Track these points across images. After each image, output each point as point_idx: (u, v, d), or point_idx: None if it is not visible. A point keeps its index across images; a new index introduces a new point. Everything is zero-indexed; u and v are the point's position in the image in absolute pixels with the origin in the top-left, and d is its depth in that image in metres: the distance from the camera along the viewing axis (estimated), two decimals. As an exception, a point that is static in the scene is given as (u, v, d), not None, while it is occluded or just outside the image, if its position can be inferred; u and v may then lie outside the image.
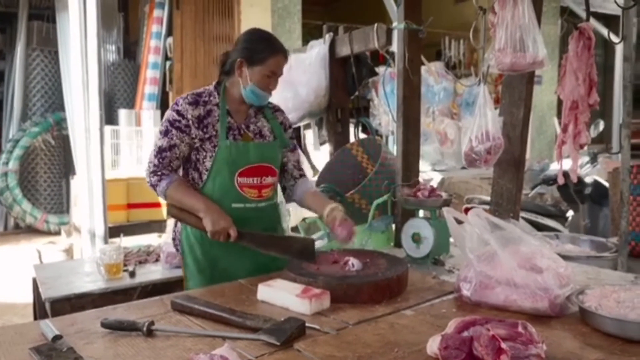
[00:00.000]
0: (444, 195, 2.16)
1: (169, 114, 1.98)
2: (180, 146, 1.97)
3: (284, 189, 2.24)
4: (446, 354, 1.13)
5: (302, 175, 2.24)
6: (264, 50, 1.97)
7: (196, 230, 2.00)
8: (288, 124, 2.21)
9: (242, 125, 2.04)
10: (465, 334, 1.19)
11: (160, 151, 1.97)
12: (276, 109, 2.19)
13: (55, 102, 7.12)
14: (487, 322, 1.22)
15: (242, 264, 2.00)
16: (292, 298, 1.54)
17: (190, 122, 1.96)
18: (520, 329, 1.19)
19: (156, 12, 6.73)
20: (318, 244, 2.53)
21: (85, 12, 3.84)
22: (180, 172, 2.08)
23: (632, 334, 1.27)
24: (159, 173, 1.98)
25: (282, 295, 1.58)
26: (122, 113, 6.47)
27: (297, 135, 3.90)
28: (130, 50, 7.56)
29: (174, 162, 2.00)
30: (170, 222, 3.12)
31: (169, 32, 6.78)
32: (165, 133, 1.96)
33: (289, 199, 2.28)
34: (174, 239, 2.15)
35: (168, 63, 6.84)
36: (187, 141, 1.97)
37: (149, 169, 2.00)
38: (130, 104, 7.00)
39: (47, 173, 7.14)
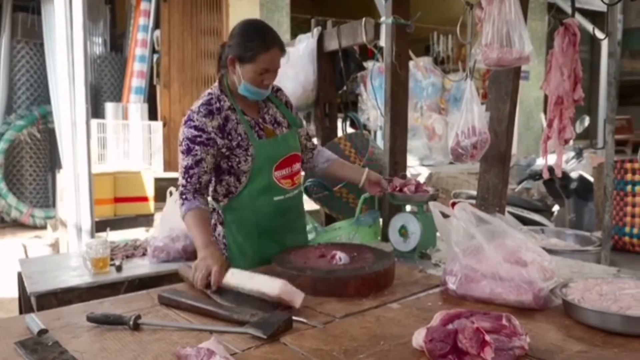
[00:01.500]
0: (431, 190, 2.17)
1: (186, 132, 1.92)
2: (207, 159, 1.94)
3: (302, 165, 2.23)
4: (431, 347, 1.14)
5: (316, 146, 2.29)
6: (254, 47, 1.87)
7: (244, 226, 2.03)
8: (290, 101, 2.21)
9: (259, 120, 2.04)
10: (450, 326, 1.20)
11: (186, 170, 1.93)
12: (276, 89, 2.17)
13: (41, 95, 7.02)
14: (472, 315, 1.24)
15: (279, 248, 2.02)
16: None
17: (213, 134, 1.92)
18: (504, 322, 1.20)
19: (143, 5, 6.67)
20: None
21: (70, 3, 3.79)
22: (213, 181, 2.04)
23: (613, 326, 1.29)
24: (184, 196, 1.95)
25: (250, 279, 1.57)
26: (109, 106, 6.41)
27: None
28: (117, 42, 7.49)
29: (202, 177, 1.96)
30: (158, 216, 3.10)
31: (157, 25, 6.73)
32: (187, 151, 1.92)
33: (309, 170, 2.35)
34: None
35: (155, 56, 6.79)
36: (213, 152, 1.94)
37: (180, 187, 1.97)
38: (117, 97, 6.94)
39: (33, 167, 7.06)
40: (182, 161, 1.94)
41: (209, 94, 2.00)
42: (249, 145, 1.96)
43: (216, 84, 2.04)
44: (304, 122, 2.31)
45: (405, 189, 2.14)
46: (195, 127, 1.91)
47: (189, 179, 1.94)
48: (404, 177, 2.52)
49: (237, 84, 1.95)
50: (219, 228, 2.09)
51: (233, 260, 2.06)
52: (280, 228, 2.06)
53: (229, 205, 2.04)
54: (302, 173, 2.28)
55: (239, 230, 2.05)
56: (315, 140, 2.32)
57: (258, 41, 1.88)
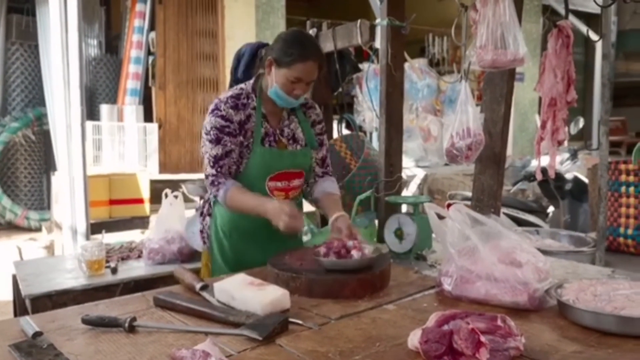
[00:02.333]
0: (357, 255, 1.76)
1: (214, 121, 1.94)
2: (235, 150, 1.96)
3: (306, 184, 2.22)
4: (426, 348, 1.14)
5: (325, 174, 2.22)
6: (293, 54, 1.89)
7: (225, 225, 2.06)
8: (318, 120, 2.19)
9: (277, 131, 2.05)
10: (446, 327, 1.20)
11: (217, 160, 1.94)
12: (309, 106, 2.16)
13: (36, 97, 7.00)
14: (467, 316, 1.24)
15: (264, 257, 1.98)
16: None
17: (237, 126, 1.95)
18: (499, 323, 1.21)
19: (138, 6, 6.65)
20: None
21: (65, 5, 3.79)
22: None
23: (607, 326, 1.30)
24: (217, 182, 1.96)
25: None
26: (104, 108, 6.40)
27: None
28: (112, 44, 7.47)
29: (232, 167, 1.98)
30: (153, 218, 3.08)
31: (152, 27, 6.71)
32: (217, 141, 1.93)
33: (306, 196, 2.27)
34: (201, 231, 2.18)
35: (151, 58, 6.77)
36: (238, 144, 1.96)
37: (207, 181, 1.97)
38: (113, 99, 6.92)
39: (28, 169, 7.03)
40: (212, 150, 1.94)
41: (241, 88, 2.03)
42: (251, 148, 1.98)
43: (252, 81, 2.06)
44: (325, 147, 2.22)
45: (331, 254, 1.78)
46: (223, 117, 1.94)
47: (219, 169, 1.95)
48: (400, 179, 2.53)
49: (270, 86, 1.98)
50: (207, 219, 2.14)
51: (212, 253, 2.12)
52: (264, 235, 2.01)
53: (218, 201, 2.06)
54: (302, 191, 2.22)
55: (222, 227, 2.08)
56: (329, 170, 2.24)
57: (298, 49, 1.90)
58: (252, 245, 2.07)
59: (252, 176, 2.01)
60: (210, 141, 1.94)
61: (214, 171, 1.96)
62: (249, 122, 1.99)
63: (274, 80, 1.95)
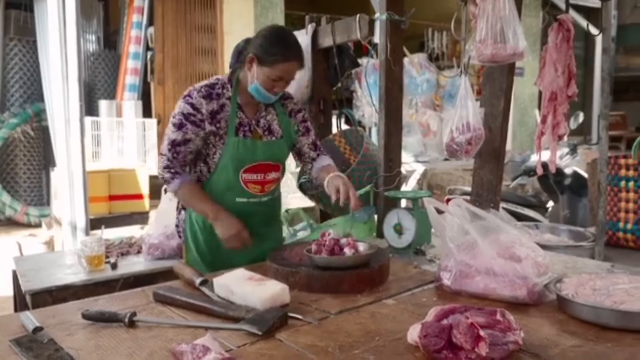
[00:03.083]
0: (350, 252, 1.75)
1: (182, 106, 1.95)
2: (195, 140, 1.97)
3: (305, 170, 2.28)
4: (426, 342, 1.14)
5: (319, 155, 2.26)
6: (276, 53, 1.90)
7: (199, 217, 2.06)
8: (296, 109, 2.19)
9: (253, 121, 2.05)
10: (445, 322, 1.21)
11: (174, 145, 1.95)
12: (285, 97, 2.17)
13: (34, 92, 6.99)
14: (466, 310, 1.24)
15: (242, 255, 2.03)
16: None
17: (205, 116, 1.95)
18: (498, 317, 1.21)
19: (137, 1, 6.63)
20: (301, 235, 2.54)
21: (63, 0, 3.77)
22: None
23: (606, 320, 1.30)
24: (173, 170, 1.97)
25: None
26: (103, 104, 6.38)
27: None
28: (111, 40, 7.45)
29: (187, 156, 1.99)
30: (152, 214, 3.08)
31: (150, 22, 6.69)
32: (179, 126, 1.94)
33: (311, 180, 2.39)
34: (177, 226, 2.19)
35: (149, 53, 6.76)
36: (202, 135, 1.97)
37: (161, 162, 1.98)
38: (111, 94, 6.91)
39: (27, 165, 7.02)
40: (172, 134, 1.96)
41: (217, 79, 2.04)
42: (225, 139, 1.98)
43: (228, 72, 2.07)
44: (311, 131, 2.25)
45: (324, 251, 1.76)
46: (192, 105, 1.94)
47: (175, 155, 1.96)
48: (399, 174, 2.53)
49: (250, 82, 1.98)
50: (183, 213, 2.14)
51: (187, 248, 2.13)
52: None
53: None
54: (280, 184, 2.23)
55: (197, 220, 2.08)
56: (322, 152, 2.27)
57: (281, 49, 1.92)
58: None
59: (227, 168, 1.99)
60: (173, 124, 1.96)
61: (170, 155, 1.96)
62: (223, 112, 1.98)
63: (254, 77, 1.95)
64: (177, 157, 1.97)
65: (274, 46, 1.92)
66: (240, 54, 2.04)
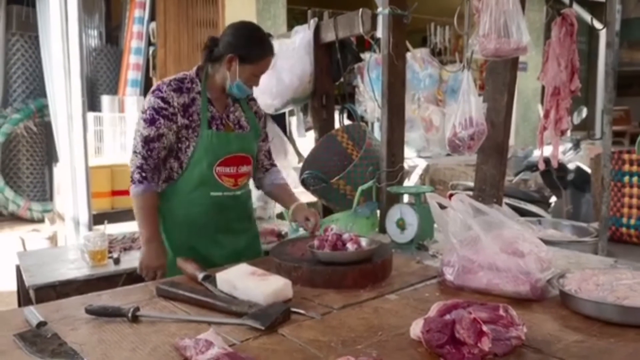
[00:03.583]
0: (353, 248, 1.75)
1: (152, 101, 1.93)
2: (168, 135, 1.95)
3: (253, 178, 2.28)
4: (429, 337, 1.15)
5: (273, 165, 2.31)
6: (258, 51, 1.98)
7: (174, 217, 2.04)
8: (262, 113, 2.27)
9: (224, 115, 2.06)
10: (448, 317, 1.21)
11: (147, 141, 1.93)
12: (250, 98, 2.23)
13: (37, 88, 6.98)
14: (469, 306, 1.24)
15: (218, 251, 2.06)
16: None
17: (177, 109, 1.94)
18: (501, 312, 1.21)
19: (139, -3, 6.62)
20: (302, 231, 2.53)
21: (65, -4, 3.77)
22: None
23: (610, 316, 1.30)
24: (144, 174, 1.94)
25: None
26: (105, 99, 6.38)
27: (282, 121, 3.88)
28: (113, 35, 7.44)
29: (161, 152, 1.97)
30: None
31: (152, 17, 6.68)
32: (151, 122, 1.92)
33: (258, 188, 2.34)
34: None
35: (151, 48, 6.75)
36: (175, 130, 1.95)
37: (135, 159, 1.96)
38: (113, 90, 6.90)
39: (30, 160, 7.03)
40: (144, 130, 1.93)
41: (184, 74, 2.04)
42: (198, 132, 1.98)
43: (194, 69, 2.07)
44: (269, 139, 2.35)
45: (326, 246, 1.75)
46: (162, 99, 1.93)
47: (149, 152, 1.94)
48: (401, 169, 2.52)
49: (230, 81, 2.00)
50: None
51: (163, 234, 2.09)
52: (213, 225, 2.05)
53: (164, 192, 2.04)
54: (251, 179, 2.27)
55: (167, 219, 2.06)
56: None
57: (262, 46, 2.00)
58: (204, 239, 2.05)
59: (201, 161, 1.99)
60: (144, 120, 1.94)
61: (145, 153, 1.93)
62: (194, 105, 1.98)
63: (236, 76, 1.98)
64: (151, 155, 1.94)
65: (257, 45, 1.99)
66: (212, 50, 2.03)
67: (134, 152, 1.96)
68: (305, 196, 3.30)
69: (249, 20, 2.14)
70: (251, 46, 1.97)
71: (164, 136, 1.94)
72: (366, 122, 6.59)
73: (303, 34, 3.29)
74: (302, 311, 1.40)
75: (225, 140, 2.02)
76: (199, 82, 2.03)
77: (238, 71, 1.97)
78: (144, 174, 1.95)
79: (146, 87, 6.76)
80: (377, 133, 3.98)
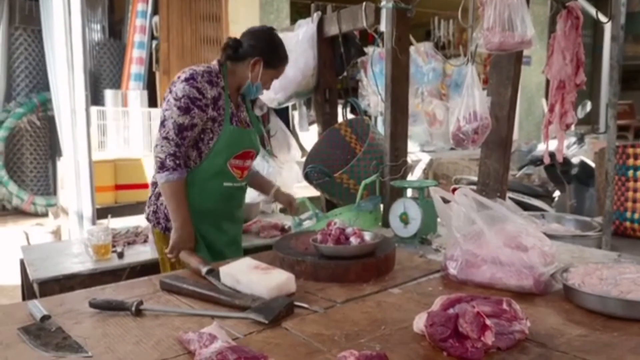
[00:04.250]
0: (356, 242, 1.75)
1: (187, 90, 1.94)
2: (199, 125, 2.00)
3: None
4: (432, 331, 1.14)
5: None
6: (282, 57, 2.13)
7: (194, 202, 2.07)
8: (258, 115, 2.46)
9: (238, 112, 2.15)
10: (451, 311, 1.20)
11: (181, 129, 1.95)
12: (251, 99, 2.35)
13: (40, 82, 6.99)
14: (473, 300, 1.24)
15: (222, 237, 2.16)
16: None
17: (209, 102, 1.99)
18: (504, 306, 1.21)
19: (141, -9, 6.61)
20: (306, 224, 2.54)
21: (68, -11, 3.76)
22: None
23: (613, 310, 1.30)
24: (178, 161, 1.95)
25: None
26: (109, 93, 6.39)
27: (286, 115, 3.88)
28: (116, 29, 7.43)
29: (191, 141, 2.02)
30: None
31: (155, 11, 6.67)
32: (186, 110, 1.94)
33: None
34: (155, 212, 2.16)
35: (154, 42, 6.74)
36: (205, 120, 2.00)
37: (167, 148, 1.94)
38: (117, 84, 6.91)
39: (33, 154, 7.05)
40: (178, 118, 1.94)
41: (209, 67, 2.07)
42: (222, 125, 2.04)
43: (215, 63, 2.10)
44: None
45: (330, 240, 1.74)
46: (198, 90, 1.96)
47: (182, 140, 1.96)
48: (405, 163, 2.52)
49: (251, 82, 2.09)
50: (161, 198, 2.09)
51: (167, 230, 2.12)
52: (221, 213, 2.15)
53: None
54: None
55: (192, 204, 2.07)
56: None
57: (284, 53, 2.14)
58: (211, 224, 2.12)
59: (220, 154, 2.06)
60: (179, 108, 1.94)
61: (178, 140, 1.95)
62: (220, 100, 2.04)
63: (258, 78, 2.08)
64: (183, 143, 1.97)
65: (281, 50, 2.13)
66: (235, 50, 2.07)
67: (165, 138, 1.95)
68: (308, 190, 3.31)
69: (269, 26, 2.22)
70: (276, 51, 2.10)
71: (196, 126, 1.98)
72: (369, 116, 6.59)
73: (306, 28, 3.28)
74: (305, 305, 1.40)
75: (241, 136, 2.11)
76: (222, 78, 2.08)
77: (261, 75, 2.08)
78: (177, 161, 1.97)
79: (149, 81, 6.76)
80: (381, 127, 3.98)
